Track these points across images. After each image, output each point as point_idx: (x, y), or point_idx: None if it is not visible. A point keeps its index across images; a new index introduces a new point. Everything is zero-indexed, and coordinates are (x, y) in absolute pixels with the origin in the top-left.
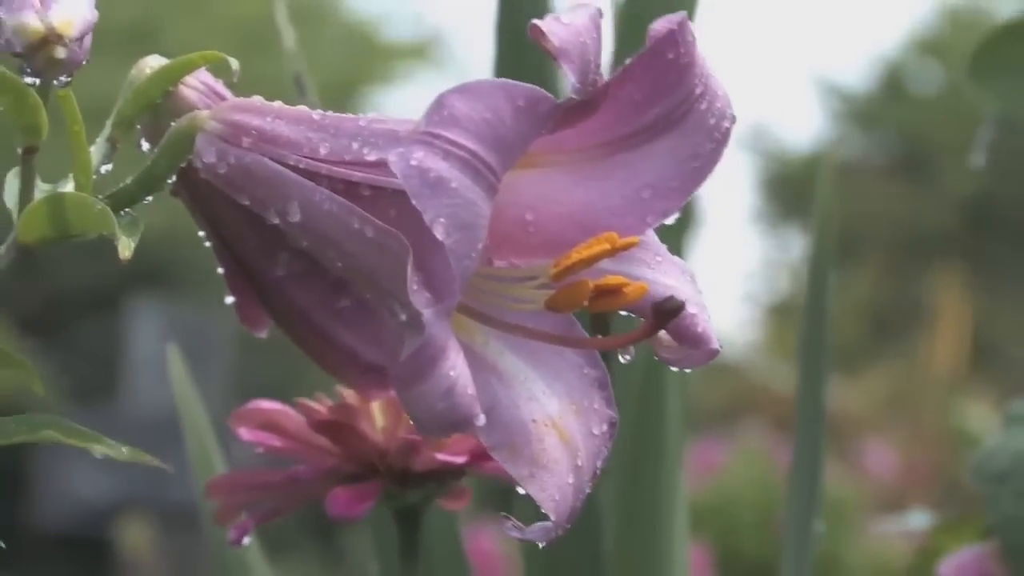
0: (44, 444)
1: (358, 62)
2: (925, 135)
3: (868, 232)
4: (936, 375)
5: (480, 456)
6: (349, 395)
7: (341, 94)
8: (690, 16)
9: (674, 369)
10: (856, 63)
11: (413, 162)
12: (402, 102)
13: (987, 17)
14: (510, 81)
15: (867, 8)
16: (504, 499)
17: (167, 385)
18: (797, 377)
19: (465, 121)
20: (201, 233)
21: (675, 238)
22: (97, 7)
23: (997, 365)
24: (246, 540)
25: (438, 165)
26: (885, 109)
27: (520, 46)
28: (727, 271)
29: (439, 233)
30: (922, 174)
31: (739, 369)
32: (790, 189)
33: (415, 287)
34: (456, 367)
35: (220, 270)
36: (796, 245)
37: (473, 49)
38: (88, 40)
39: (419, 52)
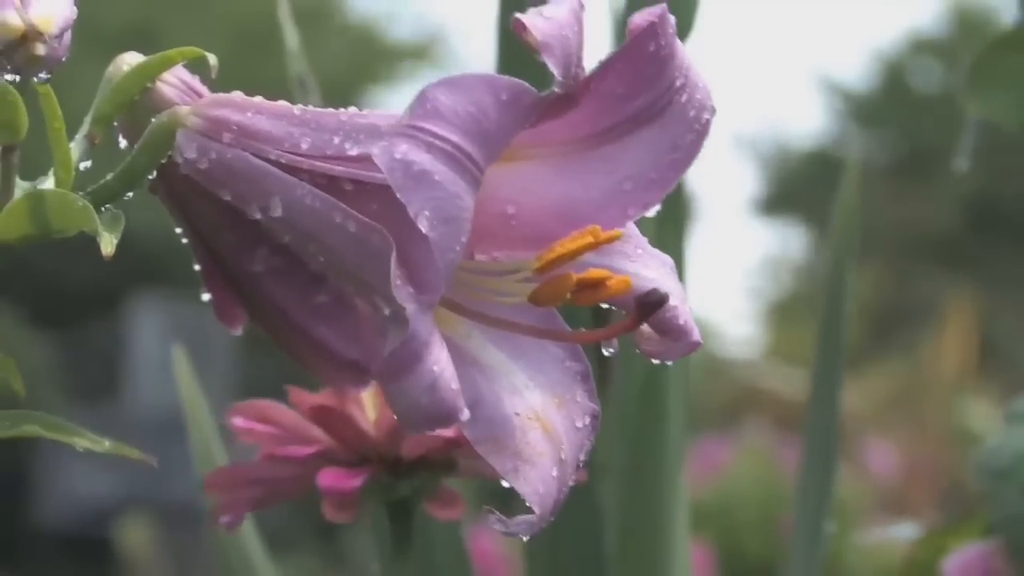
0: (45, 444)
1: (360, 62)
2: (927, 134)
3: (871, 231)
4: (939, 375)
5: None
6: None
7: (343, 94)
8: (691, 16)
9: (674, 369)
10: (858, 62)
11: (397, 155)
12: (404, 102)
13: (990, 17)
14: (493, 74)
15: (870, 7)
16: (504, 499)
17: (169, 384)
18: (811, 381)
19: (449, 114)
20: (178, 229)
21: (676, 237)
22: (96, 7)
23: (1001, 364)
24: (239, 525)
25: (422, 158)
26: (887, 108)
27: (521, 46)
28: (728, 269)
29: (424, 226)
30: (924, 173)
31: (742, 368)
32: (791, 187)
33: (398, 282)
34: (440, 361)
35: (196, 267)
36: (797, 243)
37: (475, 49)
38: (68, 37)
39: (421, 52)
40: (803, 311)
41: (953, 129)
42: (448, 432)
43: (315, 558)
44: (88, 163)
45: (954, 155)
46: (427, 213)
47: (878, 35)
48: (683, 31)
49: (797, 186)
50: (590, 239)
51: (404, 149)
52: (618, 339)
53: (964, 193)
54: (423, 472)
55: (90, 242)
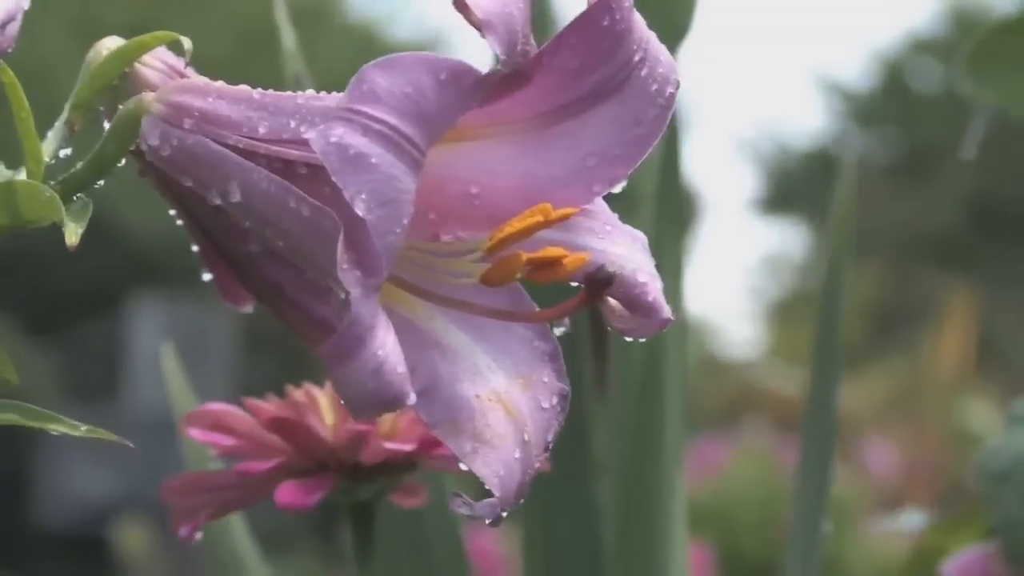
0: (45, 444)
1: (360, 62)
2: (927, 134)
3: (870, 231)
4: (939, 374)
5: (430, 444)
6: (297, 393)
7: None
8: (691, 15)
9: (672, 369)
10: (858, 62)
11: (332, 138)
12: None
13: (988, 16)
14: (432, 54)
15: (869, 7)
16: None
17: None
18: (809, 380)
19: (385, 96)
20: (172, 212)
21: (676, 237)
22: (97, 7)
23: (1001, 364)
24: (197, 536)
25: (357, 141)
26: (887, 108)
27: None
28: (729, 269)
29: (360, 209)
30: (924, 173)
31: (741, 368)
32: (791, 187)
33: (345, 265)
34: (385, 345)
35: (194, 248)
36: (797, 242)
37: (475, 49)
38: (14, 27)
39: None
40: (803, 310)
41: (953, 129)
42: (408, 445)
43: (313, 558)
44: (68, 150)
45: (957, 151)
46: (363, 196)
47: (877, 35)
48: (682, 31)
49: (797, 186)
50: (540, 217)
51: (340, 132)
52: (614, 337)
53: (964, 192)
54: (383, 475)
55: (89, 241)
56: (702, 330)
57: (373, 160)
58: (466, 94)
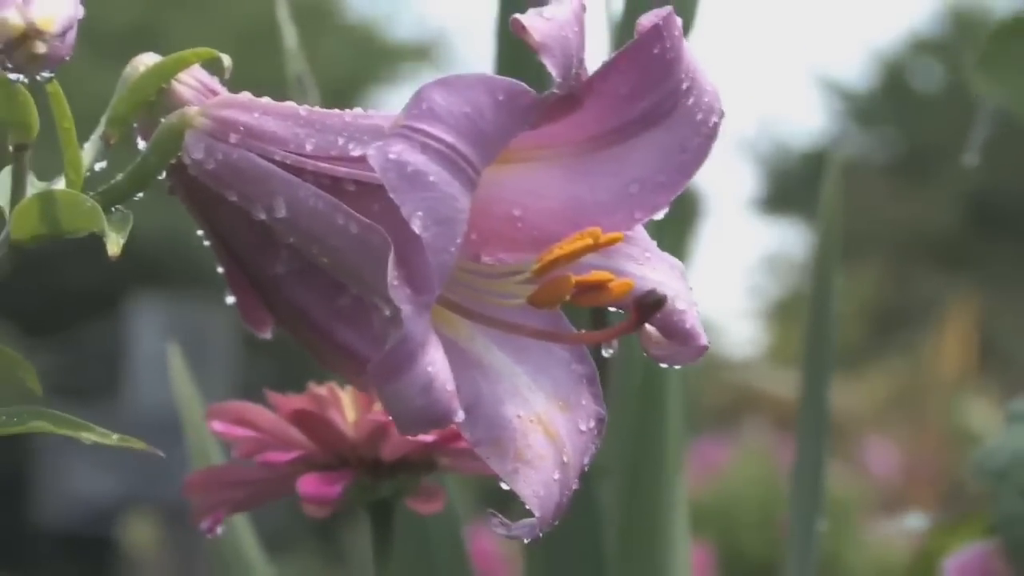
0: (46, 444)
1: (361, 62)
2: (927, 134)
3: (870, 231)
4: (939, 374)
5: (450, 438)
6: (319, 388)
7: (344, 94)
8: (691, 15)
9: (672, 369)
10: (857, 61)
11: (391, 156)
12: (405, 103)
13: (989, 16)
14: (490, 75)
15: (869, 7)
16: (505, 500)
17: (169, 384)
18: (801, 378)
19: (444, 115)
20: (199, 232)
21: (678, 235)
22: (97, 8)
23: (1001, 364)
24: (219, 530)
25: (416, 159)
26: (886, 107)
27: (521, 46)
28: (729, 268)
29: (416, 227)
30: (924, 172)
31: (741, 368)
32: (791, 186)
33: (395, 283)
34: (435, 363)
35: (220, 269)
36: (797, 242)
37: (476, 49)
38: (71, 36)
39: (422, 52)
40: (803, 310)
41: (953, 129)
42: (428, 436)
43: (315, 558)
44: (104, 163)
45: (957, 153)
46: (420, 214)
47: (877, 35)
48: (683, 30)
49: (797, 185)
50: (589, 240)
51: (398, 150)
52: (617, 340)
53: (964, 192)
54: (403, 473)
55: (89, 242)
56: (704, 329)
57: (431, 178)
58: (521, 116)
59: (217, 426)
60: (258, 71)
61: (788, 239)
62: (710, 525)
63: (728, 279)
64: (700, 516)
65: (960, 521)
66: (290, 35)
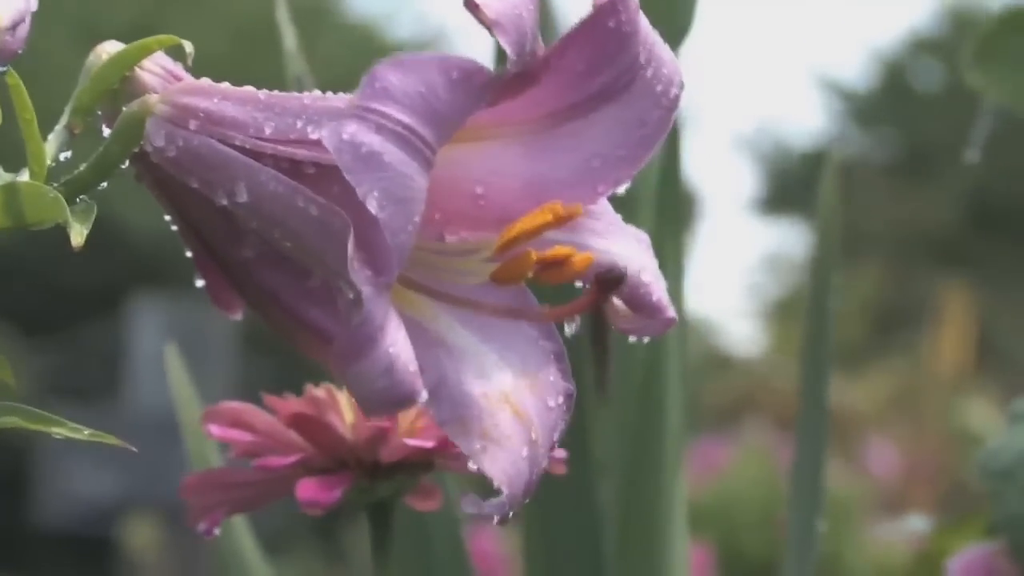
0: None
1: (361, 62)
2: (927, 133)
3: (870, 230)
4: (940, 374)
5: (449, 442)
6: (317, 391)
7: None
8: (692, 15)
9: (672, 368)
10: (858, 61)
11: (345, 136)
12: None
13: (989, 14)
14: (444, 54)
15: (869, 6)
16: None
17: (168, 384)
18: (800, 377)
19: (398, 94)
20: (167, 217)
21: (675, 235)
22: (98, 6)
23: (1001, 363)
24: (216, 531)
25: (371, 139)
26: (886, 107)
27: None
28: (729, 267)
29: (373, 207)
30: (924, 172)
31: (742, 367)
32: (791, 186)
33: (355, 264)
34: (396, 343)
35: (188, 253)
36: (797, 242)
37: (476, 49)
38: (23, 29)
39: (423, 51)
40: (802, 309)
41: (953, 128)
42: (428, 442)
43: (315, 558)
44: (68, 153)
45: (958, 152)
46: (376, 194)
47: (877, 35)
48: (682, 30)
49: (796, 185)
50: (549, 216)
51: (352, 130)
52: (616, 337)
53: (964, 192)
54: (401, 474)
55: (89, 242)
56: (703, 329)
57: (386, 158)
58: (477, 94)
59: (214, 429)
60: (257, 70)
61: (788, 239)
62: (710, 525)
63: (728, 279)
64: (700, 516)
65: (962, 521)
66: (289, 36)
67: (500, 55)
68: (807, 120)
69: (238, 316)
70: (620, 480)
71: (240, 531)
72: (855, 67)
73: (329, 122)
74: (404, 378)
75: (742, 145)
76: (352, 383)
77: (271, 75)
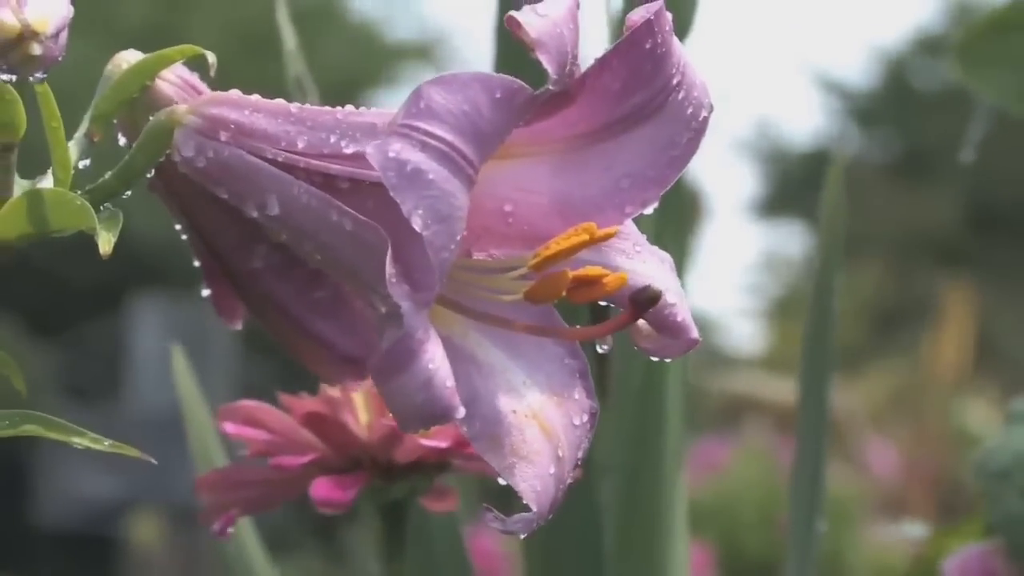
0: (45, 444)
1: (362, 63)
2: (927, 133)
3: (870, 230)
4: (939, 374)
5: (463, 443)
6: (333, 390)
7: (344, 95)
8: (691, 14)
9: (673, 369)
10: (858, 60)
11: (391, 154)
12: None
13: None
14: (487, 72)
15: (870, 6)
16: (505, 499)
17: (169, 384)
18: (800, 377)
19: (443, 113)
20: (177, 226)
21: (677, 236)
22: (114, 6)
23: (1000, 364)
24: (230, 531)
25: (416, 157)
26: (887, 107)
27: (519, 44)
28: (729, 267)
29: (417, 225)
30: (924, 172)
31: (741, 367)
32: (791, 186)
33: (394, 280)
34: (435, 359)
35: (196, 263)
36: (797, 242)
37: (476, 49)
38: (64, 36)
39: (423, 53)
40: (802, 309)
41: (953, 129)
42: (442, 442)
43: (315, 558)
44: (88, 161)
45: (957, 151)
46: (420, 212)
47: (878, 34)
48: (683, 30)
49: (796, 185)
50: (585, 236)
51: (398, 148)
52: (617, 338)
53: (963, 192)
54: (416, 475)
55: (90, 242)
56: (704, 329)
57: (431, 176)
58: (517, 113)
59: (228, 427)
60: (262, 71)
61: (787, 239)
62: (710, 525)
63: (728, 279)
64: (700, 516)
65: (960, 524)
66: (289, 37)
67: (503, 66)
68: (807, 120)
69: (238, 325)
70: (620, 480)
71: (244, 530)
72: (856, 66)
73: (364, 138)
74: (442, 393)
75: (742, 145)
76: (390, 397)
77: (271, 75)
